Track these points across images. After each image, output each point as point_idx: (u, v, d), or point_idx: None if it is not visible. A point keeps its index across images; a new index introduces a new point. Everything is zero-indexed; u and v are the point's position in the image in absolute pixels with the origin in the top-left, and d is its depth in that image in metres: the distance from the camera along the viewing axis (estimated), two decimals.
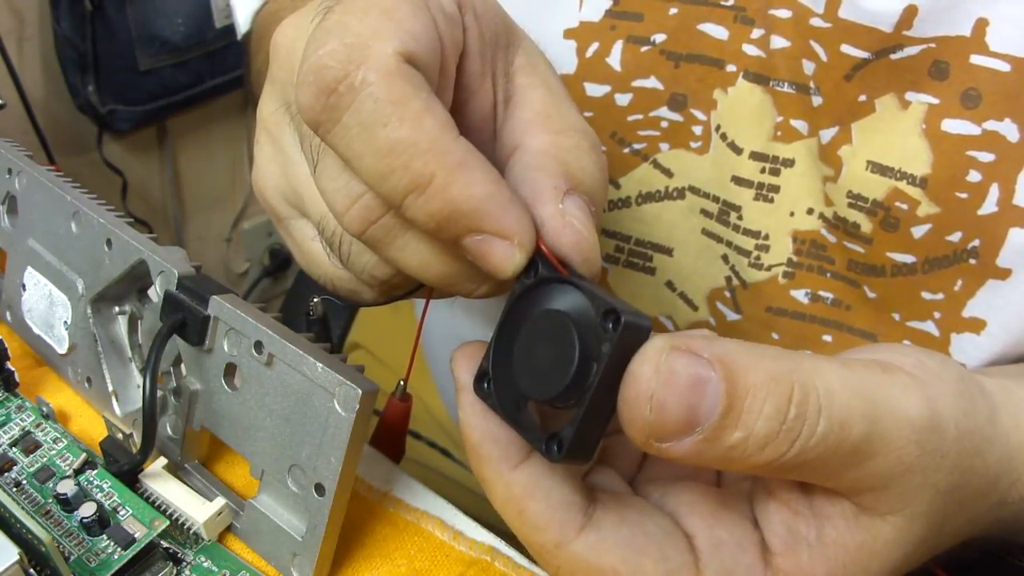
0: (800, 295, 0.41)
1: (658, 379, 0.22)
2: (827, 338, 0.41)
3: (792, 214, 0.39)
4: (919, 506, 0.24)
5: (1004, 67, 0.32)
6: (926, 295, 0.37)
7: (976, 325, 0.37)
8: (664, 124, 0.40)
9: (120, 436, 0.35)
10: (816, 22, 0.35)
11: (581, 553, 0.25)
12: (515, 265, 0.25)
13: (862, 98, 0.35)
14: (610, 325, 0.23)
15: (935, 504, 0.25)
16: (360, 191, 0.26)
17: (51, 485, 0.34)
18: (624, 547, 0.25)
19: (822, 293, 0.40)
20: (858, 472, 0.23)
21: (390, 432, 0.37)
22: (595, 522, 0.25)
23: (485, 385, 0.26)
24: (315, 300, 0.38)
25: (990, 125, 0.33)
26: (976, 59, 0.33)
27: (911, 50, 0.34)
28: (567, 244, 0.25)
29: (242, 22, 0.55)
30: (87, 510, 0.31)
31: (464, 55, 0.27)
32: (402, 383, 0.35)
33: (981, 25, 0.32)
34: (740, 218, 0.40)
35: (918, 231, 0.36)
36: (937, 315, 0.37)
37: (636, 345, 0.23)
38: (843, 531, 0.25)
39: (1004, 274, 0.35)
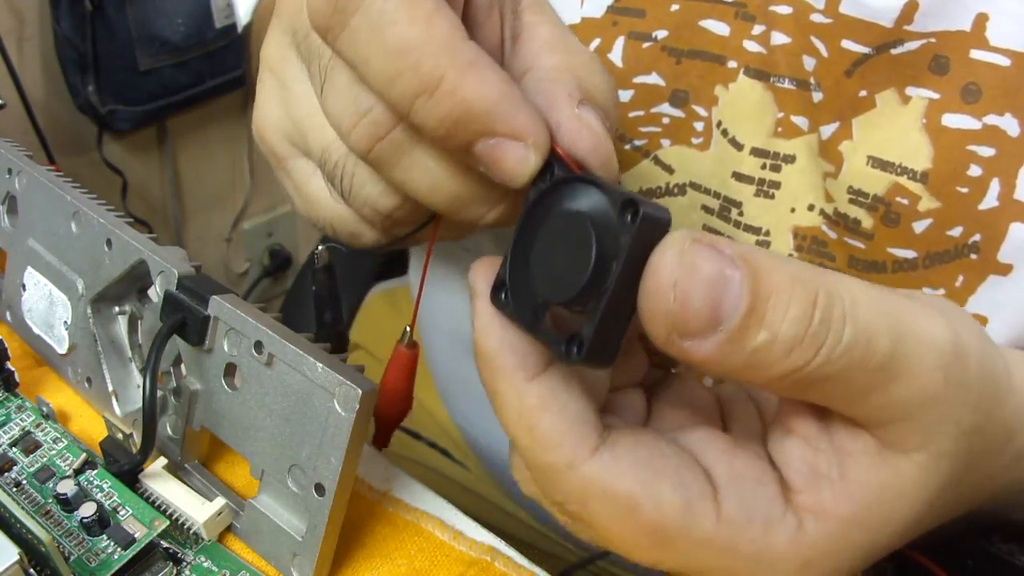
0: None
1: (681, 267, 0.21)
2: None
3: (793, 210, 0.39)
4: (943, 444, 0.24)
5: (1004, 62, 0.32)
6: (927, 291, 0.37)
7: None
8: (665, 120, 0.40)
9: (120, 436, 0.35)
10: (816, 18, 0.35)
11: (595, 474, 0.24)
12: (530, 168, 0.24)
13: (862, 93, 0.35)
14: (628, 217, 0.22)
15: (959, 445, 0.24)
16: (368, 105, 0.25)
17: (51, 485, 0.34)
18: (641, 468, 0.24)
19: None
20: (882, 396, 0.22)
21: (397, 379, 0.36)
22: (610, 442, 0.24)
23: (503, 295, 0.25)
24: (320, 248, 0.37)
25: (990, 120, 0.33)
26: (976, 54, 0.33)
27: (911, 45, 0.34)
28: (585, 147, 0.24)
29: (243, 14, 0.55)
30: (87, 510, 0.31)
31: None
32: (408, 329, 0.35)
33: (981, 20, 0.32)
34: (741, 214, 0.40)
35: (919, 226, 0.36)
36: None
37: (656, 238, 0.22)
38: (866, 468, 0.24)
39: (1005, 269, 0.35)
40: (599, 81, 0.26)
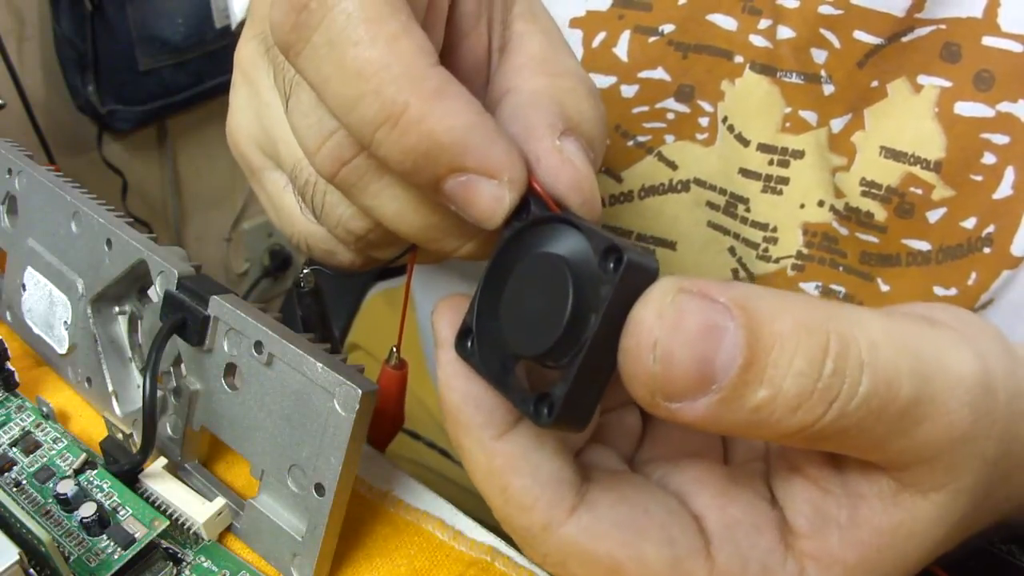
0: (810, 288, 0.40)
1: (663, 324, 0.19)
2: None
3: (802, 206, 0.39)
4: (965, 479, 0.22)
5: (1017, 48, 0.32)
6: (939, 290, 0.37)
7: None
8: (670, 116, 0.40)
9: (120, 436, 0.35)
10: (826, 9, 0.35)
11: (573, 537, 0.22)
12: (504, 209, 0.22)
13: (874, 84, 0.35)
14: (611, 265, 0.20)
15: (981, 476, 0.22)
16: (333, 127, 0.24)
17: (51, 485, 0.34)
18: (623, 529, 0.22)
19: (833, 287, 0.40)
20: (905, 441, 0.20)
21: (385, 402, 0.36)
22: (589, 501, 0.23)
23: (468, 343, 0.23)
24: (305, 271, 0.35)
25: (1004, 107, 0.33)
26: (988, 40, 0.33)
27: (921, 31, 0.33)
28: (565, 181, 0.22)
29: (237, 11, 0.55)
30: (87, 510, 0.31)
31: None
32: (394, 349, 0.34)
33: (993, 6, 0.32)
34: (748, 210, 0.40)
35: (933, 215, 0.35)
36: None
37: (640, 289, 0.20)
38: (879, 512, 0.22)
39: (1018, 263, 0.35)
40: (586, 108, 0.25)
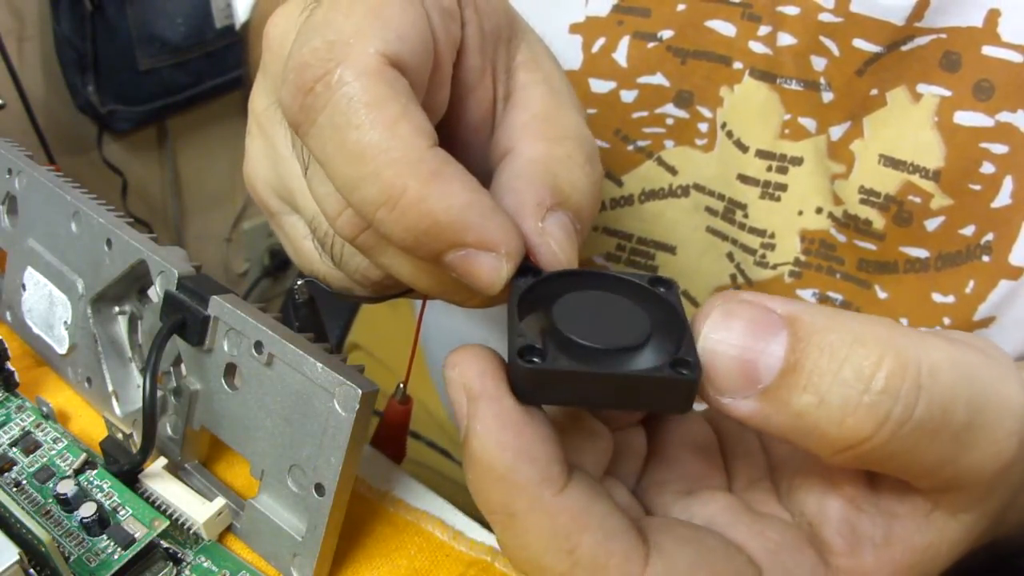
0: (807, 295, 0.40)
1: (710, 324, 0.20)
2: None
3: (800, 213, 0.39)
4: (993, 503, 0.22)
5: (1017, 58, 0.32)
6: (937, 297, 0.37)
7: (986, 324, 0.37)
8: (670, 121, 0.40)
9: (120, 436, 0.35)
10: (826, 17, 0.35)
11: None
12: (503, 278, 0.23)
13: (873, 92, 0.35)
14: (661, 288, 0.23)
15: (1005, 498, 0.23)
16: None
17: (51, 485, 0.34)
18: (697, 570, 0.22)
19: (831, 294, 0.40)
20: (953, 468, 0.21)
21: (390, 434, 0.37)
22: (656, 547, 0.22)
23: (533, 355, 0.21)
24: (300, 282, 0.36)
25: (1003, 117, 0.33)
26: (988, 50, 0.33)
27: (920, 40, 0.34)
28: (544, 264, 0.24)
29: (241, 12, 0.55)
30: (87, 510, 0.31)
31: (462, 50, 0.26)
32: (401, 386, 0.35)
33: (993, 16, 0.32)
34: (746, 216, 0.40)
35: (931, 224, 0.36)
36: (947, 321, 0.37)
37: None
38: (912, 531, 0.22)
39: (1017, 273, 0.35)
40: (578, 176, 0.25)
